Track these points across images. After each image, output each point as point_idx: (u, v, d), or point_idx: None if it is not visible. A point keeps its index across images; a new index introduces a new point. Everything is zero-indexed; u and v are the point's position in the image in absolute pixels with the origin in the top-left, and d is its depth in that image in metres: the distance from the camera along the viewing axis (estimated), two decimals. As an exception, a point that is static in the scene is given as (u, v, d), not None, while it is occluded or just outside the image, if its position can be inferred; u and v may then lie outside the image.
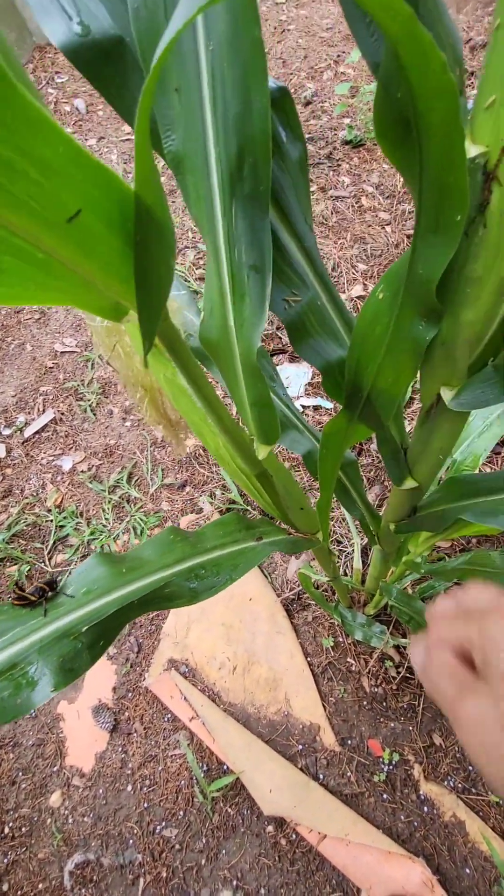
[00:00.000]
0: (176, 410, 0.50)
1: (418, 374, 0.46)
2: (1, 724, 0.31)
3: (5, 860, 0.94)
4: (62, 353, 1.60)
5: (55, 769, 1.01)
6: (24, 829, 0.96)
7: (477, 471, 0.77)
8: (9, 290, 0.25)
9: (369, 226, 1.80)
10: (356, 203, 1.92)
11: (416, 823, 0.88)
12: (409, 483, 0.60)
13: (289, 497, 0.56)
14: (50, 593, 0.38)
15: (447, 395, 0.43)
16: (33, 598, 0.37)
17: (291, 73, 2.77)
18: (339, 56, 2.72)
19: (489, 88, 0.27)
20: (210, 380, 0.43)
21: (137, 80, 0.37)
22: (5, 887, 0.92)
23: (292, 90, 2.65)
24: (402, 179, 1.87)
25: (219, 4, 0.34)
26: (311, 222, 0.43)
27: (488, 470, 1.17)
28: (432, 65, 0.23)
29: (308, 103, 2.57)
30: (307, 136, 2.28)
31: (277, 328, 1.50)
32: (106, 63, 0.37)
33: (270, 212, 0.41)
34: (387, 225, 1.81)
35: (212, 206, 0.39)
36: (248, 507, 1.23)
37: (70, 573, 0.42)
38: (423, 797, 0.90)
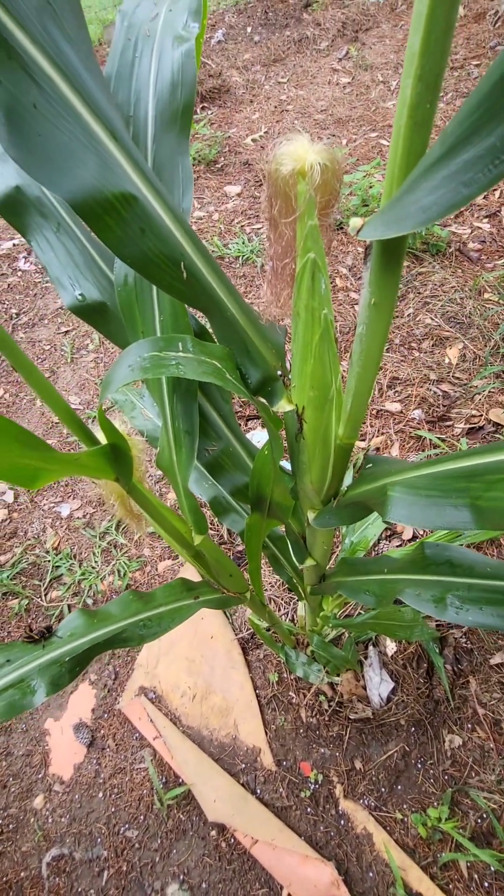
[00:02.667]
0: (138, 508, 0.73)
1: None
2: (13, 716, 0.53)
3: (-7, 852, 1.13)
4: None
5: (40, 776, 1.20)
6: (11, 826, 1.15)
7: (365, 552, 0.99)
8: (48, 479, 0.48)
9: (340, 304, 2.07)
10: (331, 282, 2.20)
11: (332, 833, 1.06)
12: (310, 562, 0.82)
13: (219, 567, 0.79)
14: (48, 634, 0.60)
15: (311, 516, 0.66)
16: (37, 638, 0.59)
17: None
18: (328, 140, 3.06)
19: (294, 379, 0.51)
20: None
21: (115, 324, 0.61)
22: (-9, 875, 1.11)
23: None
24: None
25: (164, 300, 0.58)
26: (228, 398, 0.67)
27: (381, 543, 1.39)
28: (248, 398, 0.46)
29: (300, 188, 2.89)
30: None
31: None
32: (95, 313, 0.61)
33: (199, 397, 0.65)
34: (356, 304, 2.08)
35: (162, 396, 0.63)
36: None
37: (60, 621, 0.64)
38: (340, 812, 1.08)
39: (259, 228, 2.49)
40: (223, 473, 0.70)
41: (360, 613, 1.15)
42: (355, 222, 2.17)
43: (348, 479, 0.77)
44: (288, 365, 0.54)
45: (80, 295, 0.60)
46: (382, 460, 0.57)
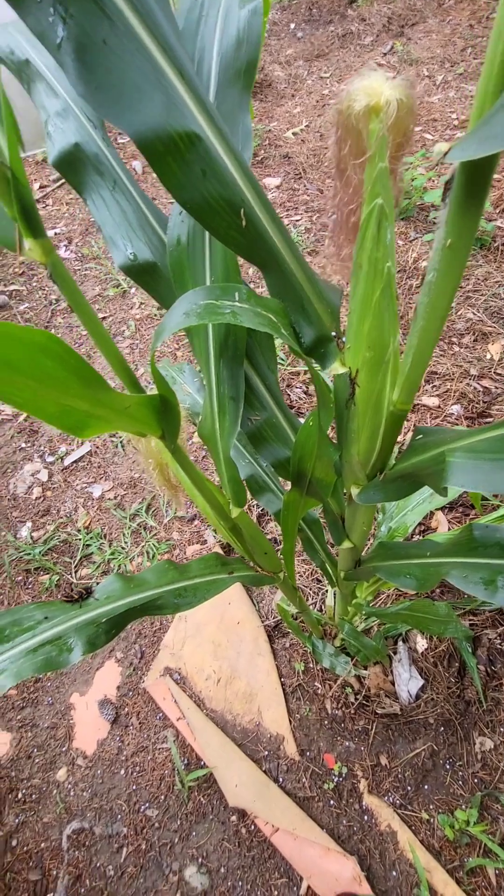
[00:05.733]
0: (176, 480, 0.72)
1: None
2: (49, 670, 0.53)
3: (17, 820, 1.14)
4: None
5: (64, 749, 1.21)
6: (34, 797, 1.17)
7: (405, 538, 0.96)
8: (98, 428, 0.47)
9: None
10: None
11: (355, 828, 1.03)
12: (347, 544, 0.80)
13: (255, 544, 0.78)
14: (86, 595, 0.60)
15: (354, 491, 0.64)
16: (75, 598, 0.59)
17: (326, 148, 3.08)
18: (417, 140, 2.92)
19: (349, 340, 0.49)
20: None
21: (164, 285, 0.61)
22: (14, 842, 1.12)
23: (325, 164, 2.96)
24: (412, 256, 2.11)
25: (218, 260, 0.57)
26: (273, 367, 0.66)
27: (415, 538, 1.35)
28: (303, 358, 0.45)
29: (340, 181, 2.85)
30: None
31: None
32: (145, 274, 0.60)
33: (245, 363, 0.64)
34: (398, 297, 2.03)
35: (208, 360, 0.62)
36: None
37: (97, 584, 0.64)
38: (364, 807, 1.06)
39: (298, 220, 2.47)
40: (265, 445, 0.68)
41: (390, 606, 1.12)
42: (440, 147, 2.13)
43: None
44: (342, 327, 0.52)
45: (131, 254, 0.59)
46: (435, 430, 0.54)
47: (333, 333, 0.51)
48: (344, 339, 0.51)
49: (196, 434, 0.77)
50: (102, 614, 0.58)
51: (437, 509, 1.37)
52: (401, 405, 0.50)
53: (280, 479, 0.98)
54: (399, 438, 0.67)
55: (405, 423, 1.63)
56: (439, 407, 1.64)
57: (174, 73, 0.39)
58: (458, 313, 1.89)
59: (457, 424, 1.56)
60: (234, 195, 0.42)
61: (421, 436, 0.55)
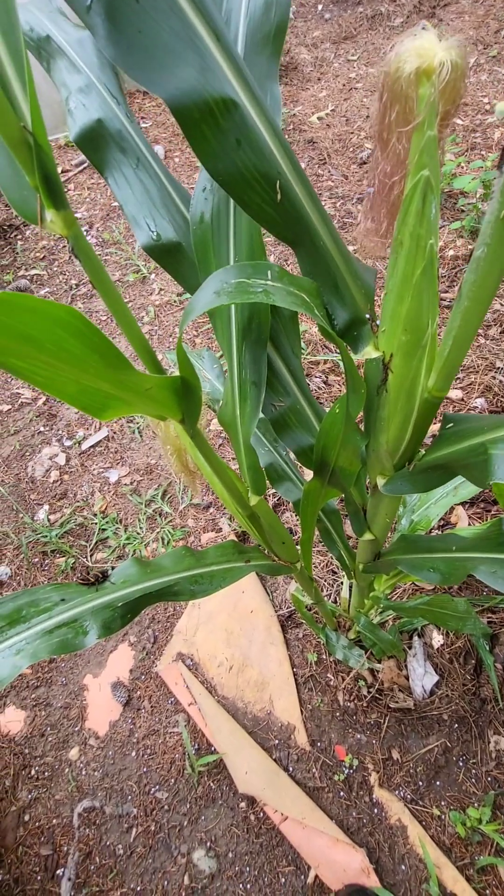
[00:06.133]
0: (195, 466, 0.71)
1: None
2: (65, 652, 0.53)
3: (29, 796, 1.16)
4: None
5: (76, 729, 1.22)
6: (46, 774, 1.18)
7: (426, 532, 0.93)
8: (118, 410, 0.46)
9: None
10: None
11: (364, 820, 1.03)
12: (368, 536, 0.78)
13: (272, 533, 0.76)
14: (102, 579, 0.59)
15: (380, 482, 0.62)
16: (92, 581, 0.59)
17: (352, 132, 3.01)
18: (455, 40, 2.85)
19: (384, 322, 0.47)
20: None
21: (188, 266, 0.59)
22: (27, 817, 1.14)
23: (350, 149, 2.89)
24: (439, 245, 2.05)
25: (243, 237, 0.55)
26: (297, 351, 0.64)
27: (435, 532, 1.32)
28: (336, 341, 0.43)
29: (363, 163, 2.78)
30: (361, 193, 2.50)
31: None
32: (168, 254, 0.59)
33: (269, 347, 0.62)
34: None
35: (230, 343, 0.60)
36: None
37: (114, 569, 0.63)
38: (374, 800, 1.05)
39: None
40: (287, 432, 0.67)
41: (408, 601, 1.10)
42: (501, 106, 2.08)
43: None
44: (376, 310, 0.50)
45: (155, 234, 0.57)
46: (468, 418, 0.52)
47: (367, 316, 0.49)
48: (378, 322, 0.49)
49: (214, 421, 0.76)
50: (118, 598, 0.58)
51: (457, 504, 1.34)
52: (436, 392, 0.48)
53: (299, 467, 0.97)
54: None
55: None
56: (463, 400, 1.60)
57: (209, 34, 0.37)
58: (485, 304, 1.84)
59: (480, 418, 1.52)
60: (269, 167, 0.40)
61: (451, 424, 0.53)
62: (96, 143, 0.55)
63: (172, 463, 0.72)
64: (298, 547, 0.84)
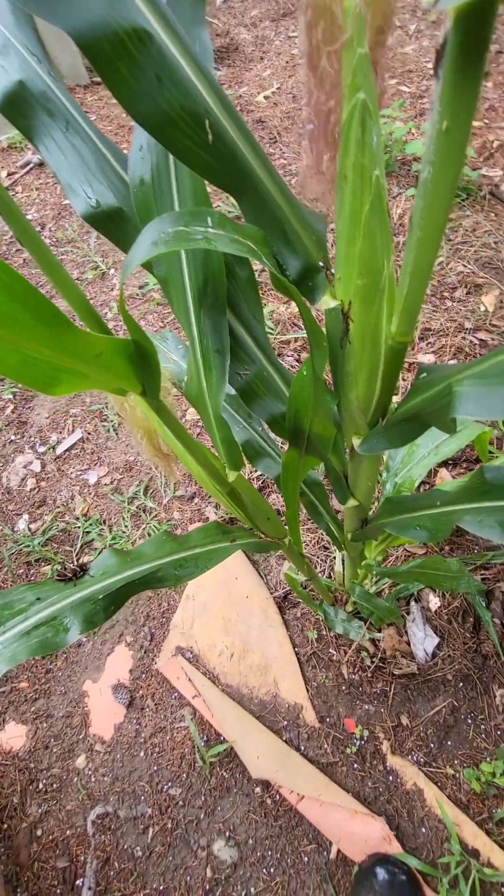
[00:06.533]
0: (167, 448, 0.68)
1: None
2: (47, 652, 0.50)
3: (39, 810, 1.13)
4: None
5: (81, 737, 1.20)
6: (55, 786, 1.15)
7: (412, 492, 0.92)
8: (70, 384, 0.43)
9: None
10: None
11: (380, 789, 1.03)
12: (352, 502, 0.77)
13: (256, 509, 0.74)
14: (80, 573, 0.57)
15: (356, 442, 0.60)
16: (69, 576, 0.56)
17: (300, 109, 2.96)
18: (393, 94, 2.77)
19: (338, 268, 0.45)
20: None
21: (132, 232, 0.56)
22: (39, 832, 1.11)
23: (300, 125, 2.85)
24: (397, 212, 2.04)
25: (186, 188, 0.52)
26: (260, 317, 0.62)
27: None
28: (290, 289, 0.40)
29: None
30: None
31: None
32: (110, 222, 0.55)
33: (228, 314, 0.59)
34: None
35: (187, 310, 0.58)
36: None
37: (92, 561, 0.60)
38: (388, 768, 1.05)
39: (276, 185, 2.38)
40: (257, 400, 0.64)
41: (401, 565, 1.09)
42: None
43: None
44: (330, 258, 0.48)
45: (93, 201, 0.54)
46: (439, 367, 0.50)
47: (321, 264, 0.46)
48: (333, 270, 0.47)
49: (191, 410, 0.73)
50: (99, 591, 0.55)
51: (440, 465, 1.34)
52: (400, 337, 0.46)
53: (278, 442, 0.94)
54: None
55: (401, 382, 1.58)
56: (435, 363, 1.59)
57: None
58: (449, 266, 1.83)
59: (455, 379, 1.52)
60: (195, 104, 0.37)
61: (424, 374, 0.51)
62: (20, 108, 0.51)
63: (145, 448, 0.69)
64: (285, 523, 0.82)
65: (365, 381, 0.51)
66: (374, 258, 0.42)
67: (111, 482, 1.56)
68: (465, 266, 1.82)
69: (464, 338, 1.63)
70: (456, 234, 1.92)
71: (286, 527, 0.83)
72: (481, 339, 1.62)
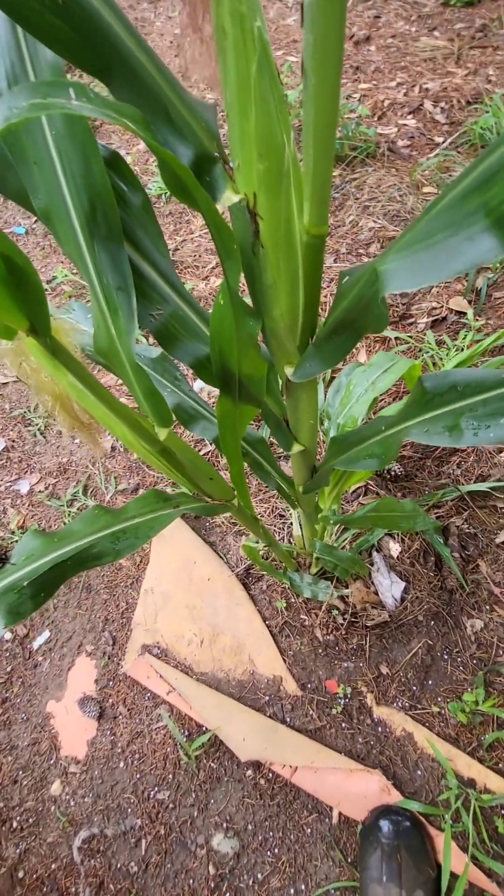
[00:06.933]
0: (86, 414, 0.61)
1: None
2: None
3: (17, 850, 1.02)
4: (3, 383, 1.68)
5: (52, 762, 1.10)
6: (30, 820, 1.05)
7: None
8: None
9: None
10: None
11: (371, 742, 1.01)
12: (297, 447, 0.73)
13: (196, 470, 0.68)
14: (0, 562, 0.49)
15: (289, 371, 0.56)
16: (-17, 568, 0.48)
17: (191, 87, 2.89)
18: (281, 64, 2.67)
19: (234, 155, 0.40)
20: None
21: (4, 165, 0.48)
22: (21, 874, 1.01)
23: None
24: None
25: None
26: (164, 250, 0.56)
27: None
28: (181, 170, 0.35)
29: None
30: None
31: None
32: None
33: (127, 248, 0.53)
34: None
35: (79, 246, 0.50)
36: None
37: (13, 547, 0.52)
38: (376, 719, 1.03)
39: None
40: (176, 343, 0.58)
41: (357, 511, 1.07)
42: None
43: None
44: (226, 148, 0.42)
45: None
46: (361, 266, 0.46)
47: (216, 154, 0.41)
48: (231, 164, 0.42)
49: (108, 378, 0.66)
50: (23, 577, 0.48)
51: (380, 398, 1.34)
52: (315, 229, 0.41)
53: (212, 402, 0.88)
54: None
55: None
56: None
57: None
58: (359, 224, 1.84)
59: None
60: None
61: (347, 277, 0.47)
62: None
63: (60, 418, 0.62)
64: (232, 485, 0.77)
65: (287, 293, 0.47)
66: (272, 132, 0.37)
67: (46, 488, 1.44)
68: (375, 221, 1.83)
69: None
70: (362, 192, 1.94)
71: (234, 491, 0.78)
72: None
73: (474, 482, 1.23)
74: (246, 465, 0.87)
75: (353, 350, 1.54)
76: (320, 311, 0.54)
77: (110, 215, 0.48)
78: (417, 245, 0.35)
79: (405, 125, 2.19)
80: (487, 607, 1.11)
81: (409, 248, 0.36)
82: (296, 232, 0.42)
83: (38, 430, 1.55)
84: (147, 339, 1.60)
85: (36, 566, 0.49)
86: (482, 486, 1.21)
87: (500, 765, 0.96)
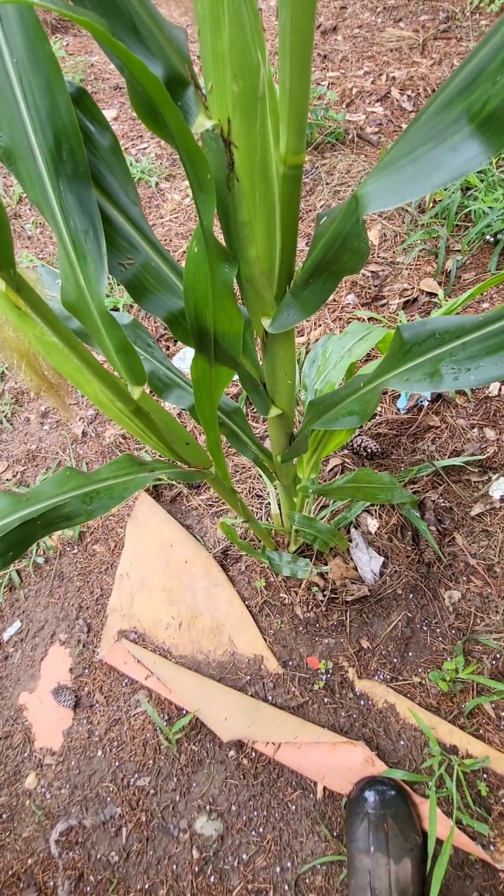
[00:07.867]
0: (54, 373, 0.58)
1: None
2: None
3: (-10, 848, 0.98)
4: (-30, 371, 1.62)
5: (25, 755, 1.05)
6: (4, 816, 1.01)
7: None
8: None
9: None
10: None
11: (354, 715, 1.00)
12: (275, 410, 0.71)
13: (171, 433, 0.66)
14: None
15: (266, 322, 0.54)
16: None
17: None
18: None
19: (207, 76, 0.38)
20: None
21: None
22: (-6, 873, 0.96)
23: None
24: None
25: (13, 24, 0.42)
26: (134, 197, 0.53)
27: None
28: (150, 81, 0.33)
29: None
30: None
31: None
32: None
33: (95, 192, 0.50)
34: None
35: (44, 187, 0.48)
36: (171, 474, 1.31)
37: (-23, 509, 0.49)
38: (358, 693, 1.03)
39: (146, 148, 2.26)
40: (148, 296, 0.56)
41: (335, 480, 1.06)
42: None
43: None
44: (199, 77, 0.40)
45: None
46: (338, 205, 0.45)
47: (188, 77, 0.39)
48: (204, 89, 0.40)
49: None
50: (-10, 535, 0.45)
51: (356, 364, 1.33)
52: (292, 158, 0.40)
53: (185, 371, 0.86)
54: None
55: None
56: (335, 301, 1.60)
57: None
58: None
59: (355, 310, 1.53)
60: None
61: (324, 218, 0.46)
62: None
63: (27, 377, 0.58)
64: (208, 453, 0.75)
65: (263, 231, 0.45)
66: (247, 50, 0.35)
67: (14, 476, 1.39)
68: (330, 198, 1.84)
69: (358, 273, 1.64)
70: (332, 177, 1.94)
71: (211, 459, 0.76)
72: (373, 272, 1.64)
73: (448, 457, 1.25)
74: (223, 437, 0.86)
75: (327, 332, 1.54)
76: (297, 260, 0.53)
77: (77, 153, 0.46)
78: (399, 162, 0.34)
79: (373, 112, 2.21)
80: (464, 578, 1.12)
81: (390, 166, 0.35)
82: (272, 162, 0.41)
83: (5, 416, 1.50)
84: (121, 307, 1.55)
85: (2, 524, 0.46)
86: (457, 461, 1.22)
87: (481, 730, 0.97)
